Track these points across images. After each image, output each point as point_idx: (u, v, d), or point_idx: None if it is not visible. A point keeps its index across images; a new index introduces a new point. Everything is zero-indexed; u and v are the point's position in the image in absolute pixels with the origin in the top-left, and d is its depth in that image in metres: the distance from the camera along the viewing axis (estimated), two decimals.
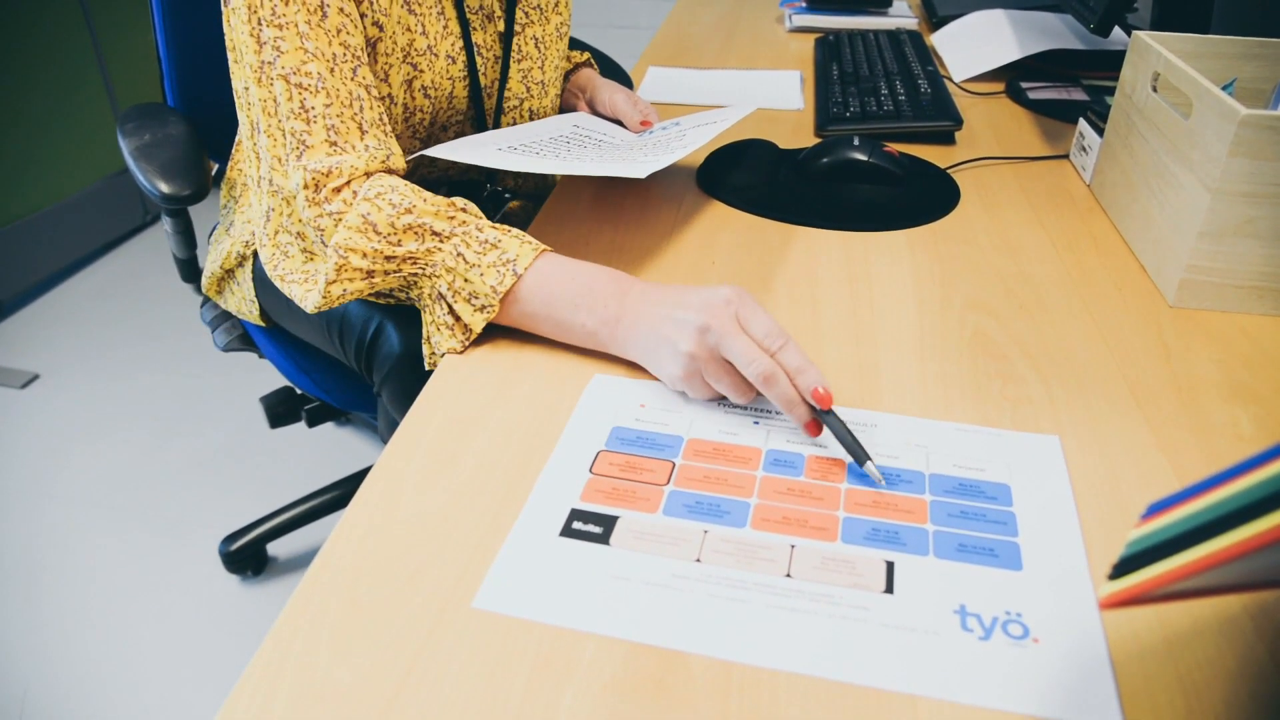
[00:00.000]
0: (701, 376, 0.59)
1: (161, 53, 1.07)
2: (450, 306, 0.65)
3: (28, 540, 1.48)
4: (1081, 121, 0.97)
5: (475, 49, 0.86)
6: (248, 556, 1.40)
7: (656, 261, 0.78)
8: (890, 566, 0.47)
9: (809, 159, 0.93)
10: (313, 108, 0.68)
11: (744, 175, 0.93)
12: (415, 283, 0.67)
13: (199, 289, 1.11)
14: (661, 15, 2.57)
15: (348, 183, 0.68)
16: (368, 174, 0.69)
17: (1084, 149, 0.95)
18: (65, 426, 1.73)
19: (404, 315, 0.83)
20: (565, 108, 1.05)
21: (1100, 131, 0.91)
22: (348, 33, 0.71)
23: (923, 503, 0.51)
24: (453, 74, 0.85)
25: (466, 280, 0.64)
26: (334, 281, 0.66)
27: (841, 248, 0.81)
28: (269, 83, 0.69)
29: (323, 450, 1.68)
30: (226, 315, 1.13)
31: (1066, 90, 1.18)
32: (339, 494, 1.45)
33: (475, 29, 0.86)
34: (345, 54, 0.70)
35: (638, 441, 0.57)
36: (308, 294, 0.70)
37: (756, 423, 0.58)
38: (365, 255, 0.65)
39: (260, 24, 0.68)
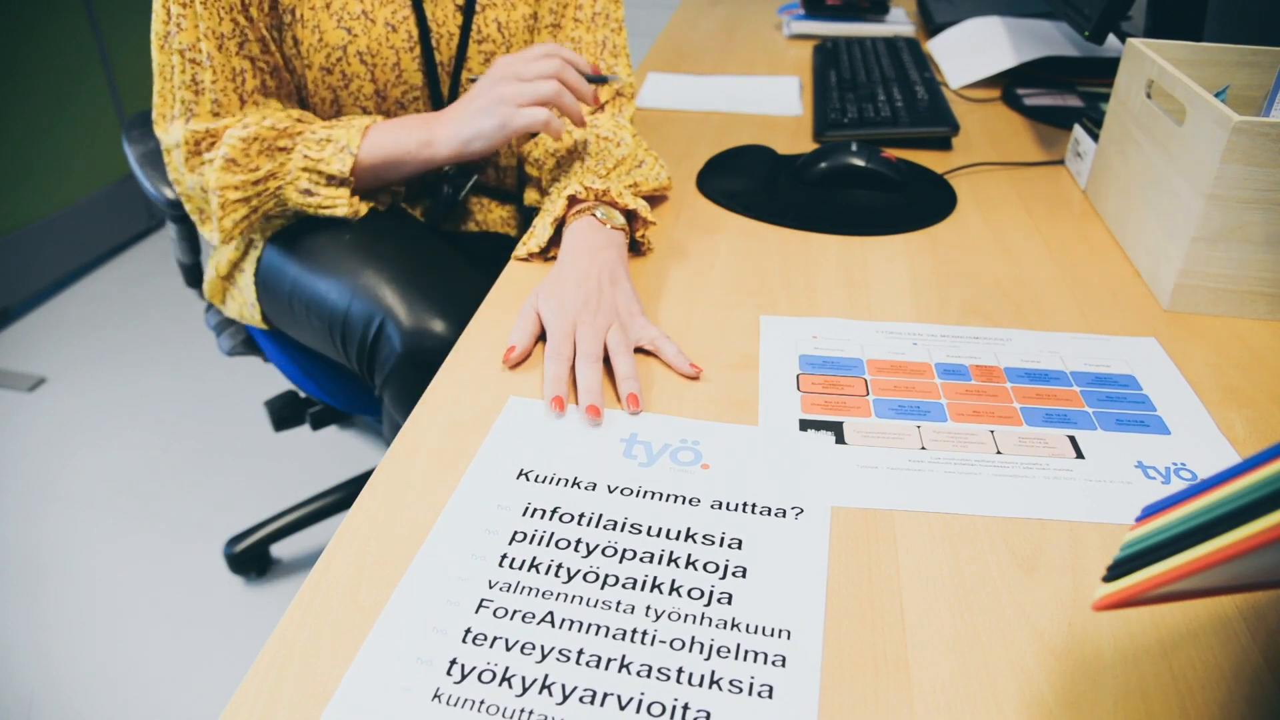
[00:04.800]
0: (515, 104, 0.77)
1: None
2: (310, 190, 0.82)
3: (33, 541, 1.48)
4: (1076, 127, 0.98)
5: (430, 20, 0.87)
6: (252, 558, 1.41)
7: (655, 266, 0.78)
8: (1073, 439, 0.58)
9: (807, 164, 0.94)
10: (201, 81, 0.80)
11: (743, 180, 0.94)
12: (282, 194, 0.82)
13: (203, 294, 1.12)
14: (661, 22, 2.58)
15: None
16: None
17: (1079, 155, 0.96)
18: (71, 429, 1.74)
19: (405, 316, 0.84)
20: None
21: (1095, 137, 0.92)
22: (239, 11, 0.80)
23: (1075, 392, 0.63)
24: (395, 43, 0.86)
25: (319, 173, 0.82)
26: (222, 216, 0.82)
27: (840, 252, 0.81)
28: (169, 53, 0.80)
29: (326, 453, 1.68)
30: (231, 320, 1.14)
31: (1062, 97, 1.19)
32: (342, 496, 1.46)
33: (426, 1, 0.87)
34: (234, 30, 0.80)
35: (825, 364, 0.65)
36: (212, 234, 0.85)
37: (915, 344, 0.68)
38: (237, 188, 0.80)
39: None
